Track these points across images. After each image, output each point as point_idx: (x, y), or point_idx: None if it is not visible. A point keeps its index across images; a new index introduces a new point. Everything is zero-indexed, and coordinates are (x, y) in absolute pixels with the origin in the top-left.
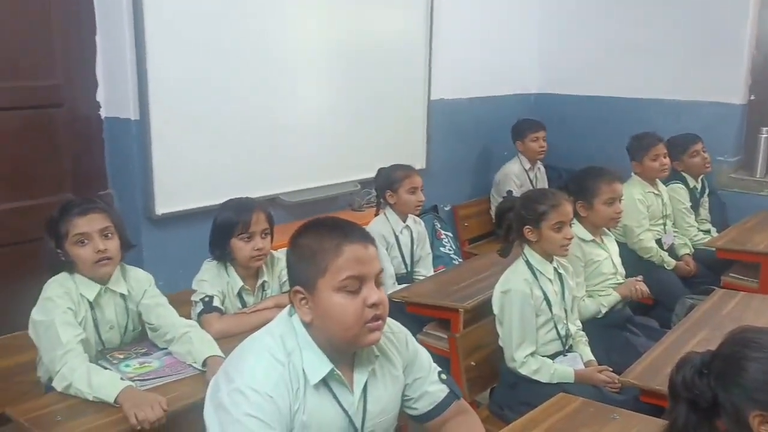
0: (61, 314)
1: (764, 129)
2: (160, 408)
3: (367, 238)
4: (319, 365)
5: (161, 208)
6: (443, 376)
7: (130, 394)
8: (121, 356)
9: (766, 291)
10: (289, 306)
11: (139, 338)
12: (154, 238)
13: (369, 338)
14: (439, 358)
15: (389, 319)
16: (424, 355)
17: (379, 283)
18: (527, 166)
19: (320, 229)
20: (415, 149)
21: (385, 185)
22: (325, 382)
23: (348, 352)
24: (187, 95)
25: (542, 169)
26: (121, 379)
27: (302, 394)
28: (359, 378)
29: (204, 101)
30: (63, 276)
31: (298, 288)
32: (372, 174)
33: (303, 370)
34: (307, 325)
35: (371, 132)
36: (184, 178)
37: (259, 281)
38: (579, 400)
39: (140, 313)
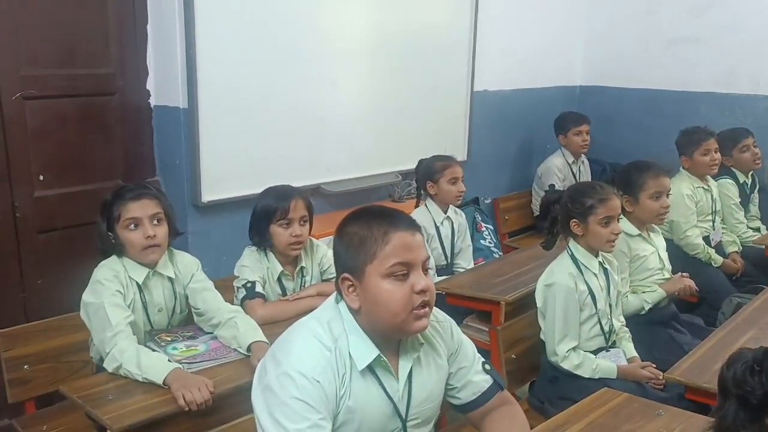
0: (111, 296)
1: None
2: (207, 390)
3: (414, 226)
4: (366, 351)
5: (207, 195)
6: (487, 367)
7: (179, 376)
8: (169, 339)
9: None
10: (335, 293)
11: (186, 322)
12: (199, 225)
13: (416, 325)
14: (480, 350)
15: (435, 308)
16: (469, 345)
17: (426, 271)
18: (570, 159)
19: (368, 217)
20: (457, 141)
21: (426, 176)
22: (371, 368)
23: (394, 338)
24: (234, 85)
25: (586, 162)
26: (169, 361)
27: (348, 379)
28: (404, 365)
29: (250, 91)
30: (112, 260)
31: (346, 275)
32: (413, 165)
33: (350, 356)
34: (355, 312)
35: (413, 123)
36: (229, 166)
37: (298, 267)
38: (623, 395)
39: (187, 297)
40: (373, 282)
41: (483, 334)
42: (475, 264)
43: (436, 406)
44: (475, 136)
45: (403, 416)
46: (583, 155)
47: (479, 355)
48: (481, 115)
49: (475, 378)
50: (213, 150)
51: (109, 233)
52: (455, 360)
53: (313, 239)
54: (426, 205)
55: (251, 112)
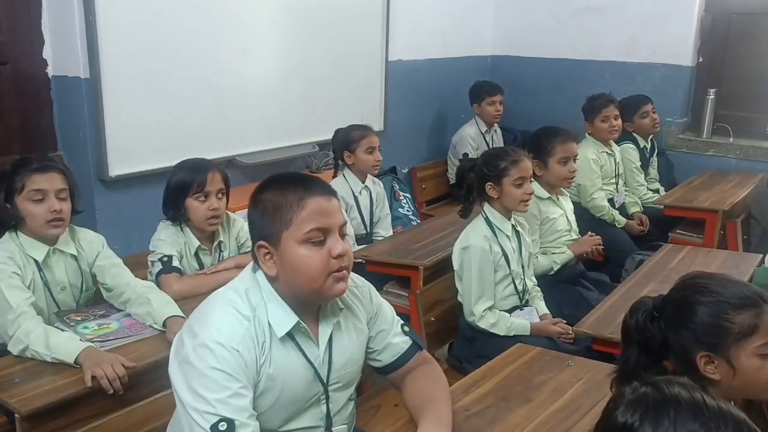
0: (7, 279)
1: (711, 90)
2: (121, 367)
3: (329, 191)
4: (285, 318)
5: (115, 169)
6: (406, 329)
7: (91, 354)
8: (79, 318)
9: (710, 245)
10: (252, 262)
11: (95, 300)
12: (107, 200)
13: (335, 289)
14: (400, 315)
15: (353, 274)
16: (388, 308)
17: (343, 235)
18: (484, 128)
19: (282, 183)
20: (373, 111)
21: (343, 146)
22: (290, 335)
23: (314, 304)
24: (140, 54)
25: (498, 131)
26: (80, 340)
27: (268, 347)
28: (324, 330)
29: (158, 60)
30: (5, 239)
31: (262, 242)
32: (330, 136)
33: (269, 324)
34: (272, 280)
35: (329, 93)
36: (138, 139)
37: (216, 241)
38: (536, 349)
39: (94, 275)
40: (290, 248)
41: (403, 299)
42: (394, 232)
43: (357, 370)
44: (390, 106)
45: (325, 381)
46: (496, 124)
47: (398, 317)
48: (396, 84)
49: (395, 340)
50: (119, 122)
51: (7, 205)
52: (375, 323)
53: (230, 213)
54: (344, 175)
55: (160, 83)
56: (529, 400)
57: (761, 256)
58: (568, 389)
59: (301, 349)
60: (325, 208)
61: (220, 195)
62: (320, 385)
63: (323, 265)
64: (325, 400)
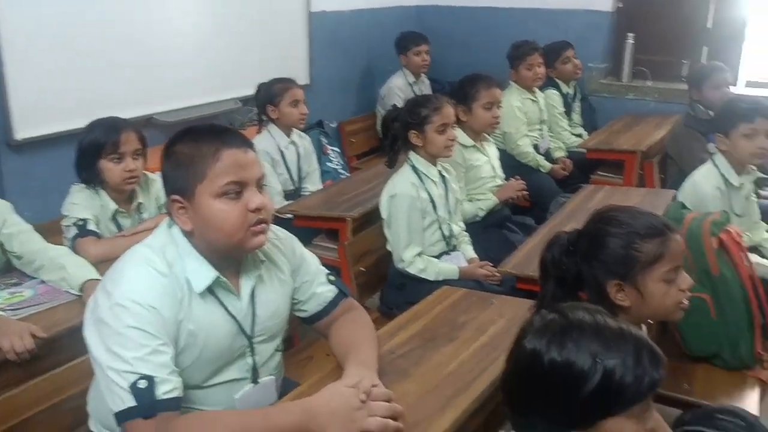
0: None
1: (630, 35)
2: (29, 337)
3: (245, 143)
4: (204, 274)
5: (21, 132)
6: (331, 278)
7: None
8: None
9: (629, 185)
10: (167, 218)
11: (6, 270)
12: (15, 165)
13: (253, 242)
14: (330, 268)
15: (274, 226)
16: (311, 259)
17: (260, 188)
18: (411, 79)
19: (196, 135)
20: (298, 64)
21: (266, 100)
22: (211, 290)
23: (233, 258)
24: (45, 8)
25: (426, 82)
26: None
27: (187, 303)
28: (246, 284)
29: (63, 16)
30: None
31: (175, 197)
32: (253, 91)
33: (187, 280)
34: (188, 235)
35: (251, 47)
36: (46, 99)
37: (134, 203)
38: (461, 291)
39: (2, 244)
40: (205, 202)
41: (332, 252)
42: (323, 186)
43: (282, 322)
44: (316, 59)
45: (249, 334)
46: (423, 75)
47: (323, 267)
48: (321, 37)
49: (320, 289)
50: (23, 83)
51: None
52: (299, 274)
53: (148, 173)
54: (269, 130)
55: (66, 39)
56: (453, 339)
57: (675, 192)
58: (491, 326)
59: (222, 304)
60: (241, 161)
61: (135, 155)
62: (245, 339)
63: (240, 219)
64: (250, 353)
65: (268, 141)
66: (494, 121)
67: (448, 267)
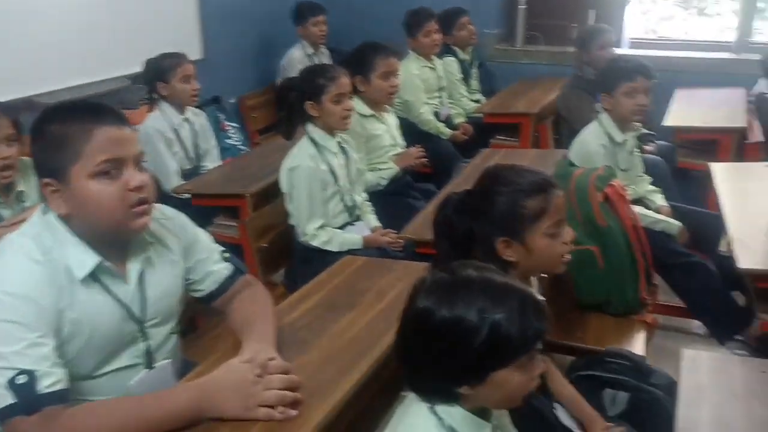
0: None
1: (522, 1)
2: None
3: (121, 119)
4: (85, 259)
5: None
6: (226, 255)
7: None
8: None
9: (525, 146)
10: (42, 203)
11: None
12: None
13: (136, 223)
14: (232, 246)
15: (162, 206)
16: (204, 237)
17: (140, 166)
18: (310, 51)
19: (67, 112)
20: (190, 38)
21: (156, 76)
22: (95, 276)
23: (118, 241)
24: None
25: (326, 52)
26: None
27: (69, 291)
28: (134, 267)
29: None
30: None
31: (47, 180)
32: (142, 68)
33: (67, 267)
34: (65, 219)
35: (137, 21)
36: None
37: (13, 192)
38: (362, 259)
39: None
40: (81, 183)
41: (233, 230)
42: (223, 164)
43: (175, 303)
44: (209, 33)
45: (140, 318)
46: (322, 46)
47: (217, 245)
48: (213, 8)
49: (215, 267)
50: None
51: None
52: (191, 253)
53: (27, 159)
54: (161, 108)
55: None
56: (353, 306)
57: (566, 151)
58: (390, 291)
59: (108, 290)
60: (117, 137)
61: (9, 142)
62: (134, 324)
63: (119, 200)
64: (142, 338)
65: (160, 120)
66: (392, 91)
67: (352, 237)
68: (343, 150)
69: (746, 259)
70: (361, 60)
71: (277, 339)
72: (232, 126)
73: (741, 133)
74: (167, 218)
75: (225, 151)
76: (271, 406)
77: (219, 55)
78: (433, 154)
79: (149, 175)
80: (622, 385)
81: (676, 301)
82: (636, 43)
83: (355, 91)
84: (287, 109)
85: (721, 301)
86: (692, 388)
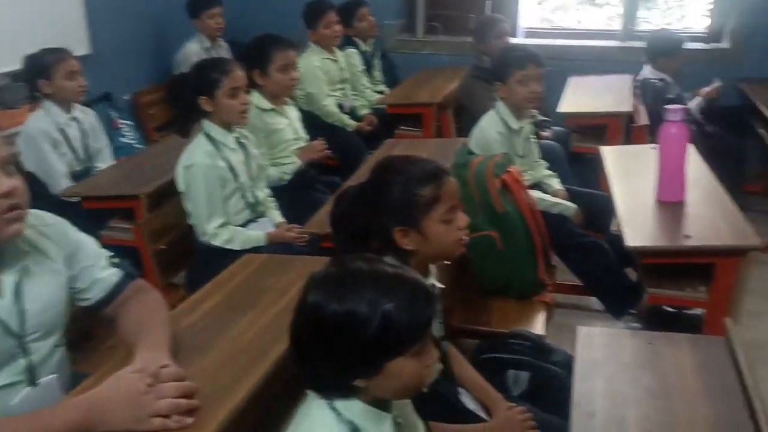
0: None
1: None
2: None
3: None
4: None
5: None
6: (114, 260)
7: None
8: None
9: (429, 136)
10: None
11: None
12: None
13: (8, 231)
14: (129, 250)
15: (41, 212)
16: (90, 243)
17: (9, 170)
18: (207, 44)
19: None
20: (75, 32)
21: (36, 74)
22: None
23: None
24: None
25: (225, 45)
26: None
27: None
28: (8, 279)
29: None
30: None
31: None
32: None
33: None
34: None
35: (16, 13)
36: None
37: None
38: (263, 256)
39: None
40: None
41: (128, 233)
42: (118, 163)
43: (59, 315)
44: (97, 26)
45: (18, 333)
46: (220, 39)
47: (104, 250)
48: (99, 1)
49: (102, 274)
50: None
51: None
52: (75, 261)
53: None
54: (44, 107)
55: None
56: (254, 306)
57: (466, 139)
58: (292, 288)
59: None
60: None
61: None
62: (12, 339)
63: None
64: (22, 354)
65: (44, 119)
66: (292, 84)
67: (255, 234)
68: (242, 145)
69: (633, 237)
70: (258, 53)
71: (173, 344)
72: (125, 124)
73: (628, 117)
74: (46, 225)
75: (119, 150)
76: (166, 416)
77: (109, 49)
78: (339, 147)
79: (20, 179)
80: (524, 365)
81: (574, 280)
82: (531, 33)
83: (254, 85)
84: (180, 105)
85: (615, 278)
86: (587, 363)
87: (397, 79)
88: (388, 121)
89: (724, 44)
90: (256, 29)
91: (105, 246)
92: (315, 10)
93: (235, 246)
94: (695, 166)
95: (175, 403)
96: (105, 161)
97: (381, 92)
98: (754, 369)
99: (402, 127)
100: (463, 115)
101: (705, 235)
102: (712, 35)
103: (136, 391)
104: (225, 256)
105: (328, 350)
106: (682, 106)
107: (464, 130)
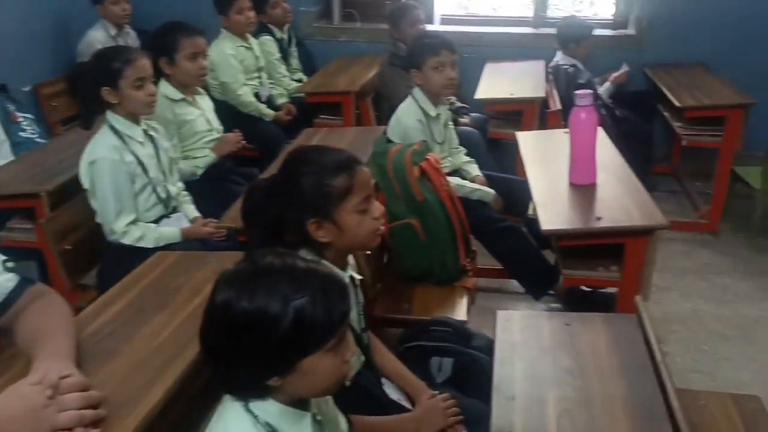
0: None
1: None
2: None
3: None
4: None
5: None
6: (9, 265)
7: None
8: None
9: (349, 124)
10: None
11: None
12: None
13: None
14: (30, 251)
15: None
16: None
17: None
18: (113, 31)
19: None
20: None
21: None
22: None
23: None
24: None
25: (132, 33)
26: None
27: None
28: None
29: None
30: None
31: None
32: None
33: None
34: None
35: None
36: None
37: None
38: (176, 254)
39: None
40: None
41: (30, 233)
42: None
43: None
44: None
45: None
46: (126, 26)
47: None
48: None
49: None
50: None
51: None
52: None
53: None
54: None
55: None
56: (165, 306)
57: (385, 127)
58: (206, 286)
59: None
60: None
61: None
62: None
63: None
64: None
65: None
66: (201, 72)
67: (169, 231)
68: (151, 138)
69: (548, 221)
70: (164, 41)
71: (78, 351)
72: (25, 117)
73: (543, 103)
74: None
75: (19, 145)
76: (69, 429)
77: (4, 38)
78: (257, 137)
79: None
80: (447, 351)
81: (495, 264)
82: (447, 20)
83: (162, 74)
84: (81, 96)
85: (533, 261)
86: (506, 346)
87: (315, 67)
88: (307, 109)
89: (630, 30)
90: (166, 16)
91: (4, 249)
92: None
93: (148, 244)
94: (605, 150)
95: (78, 414)
96: (3, 157)
97: (299, 80)
98: (664, 343)
99: (321, 116)
100: (381, 102)
101: (615, 217)
102: (619, 22)
103: (35, 404)
104: (136, 254)
105: (240, 350)
106: (591, 91)
107: (383, 117)
